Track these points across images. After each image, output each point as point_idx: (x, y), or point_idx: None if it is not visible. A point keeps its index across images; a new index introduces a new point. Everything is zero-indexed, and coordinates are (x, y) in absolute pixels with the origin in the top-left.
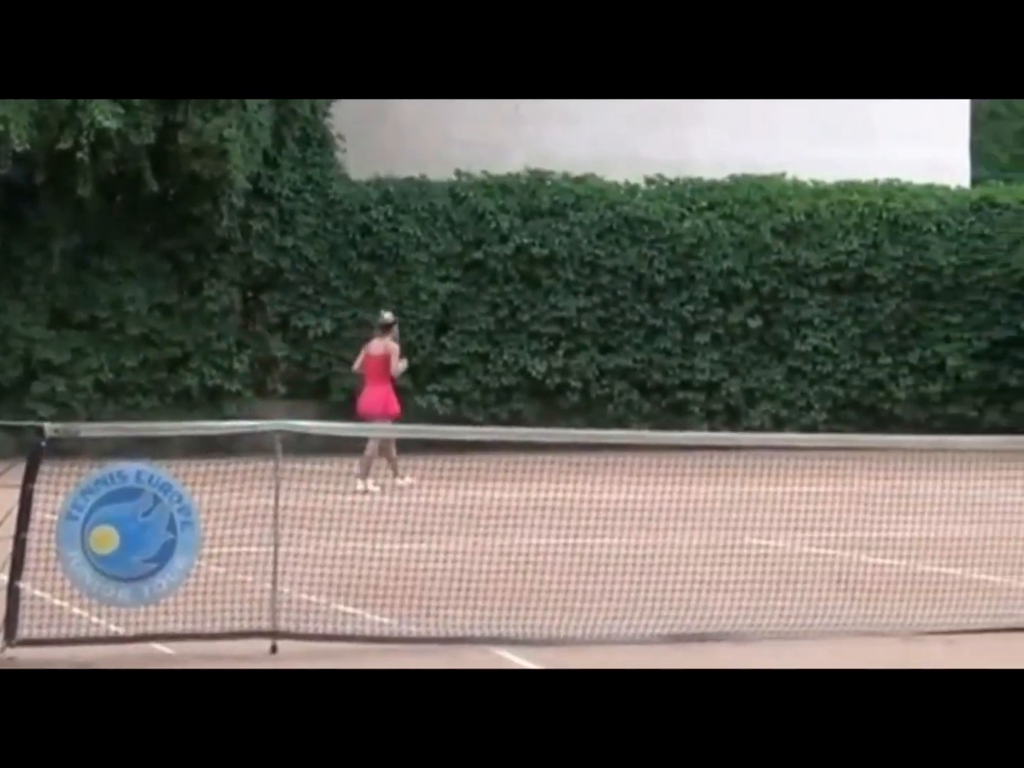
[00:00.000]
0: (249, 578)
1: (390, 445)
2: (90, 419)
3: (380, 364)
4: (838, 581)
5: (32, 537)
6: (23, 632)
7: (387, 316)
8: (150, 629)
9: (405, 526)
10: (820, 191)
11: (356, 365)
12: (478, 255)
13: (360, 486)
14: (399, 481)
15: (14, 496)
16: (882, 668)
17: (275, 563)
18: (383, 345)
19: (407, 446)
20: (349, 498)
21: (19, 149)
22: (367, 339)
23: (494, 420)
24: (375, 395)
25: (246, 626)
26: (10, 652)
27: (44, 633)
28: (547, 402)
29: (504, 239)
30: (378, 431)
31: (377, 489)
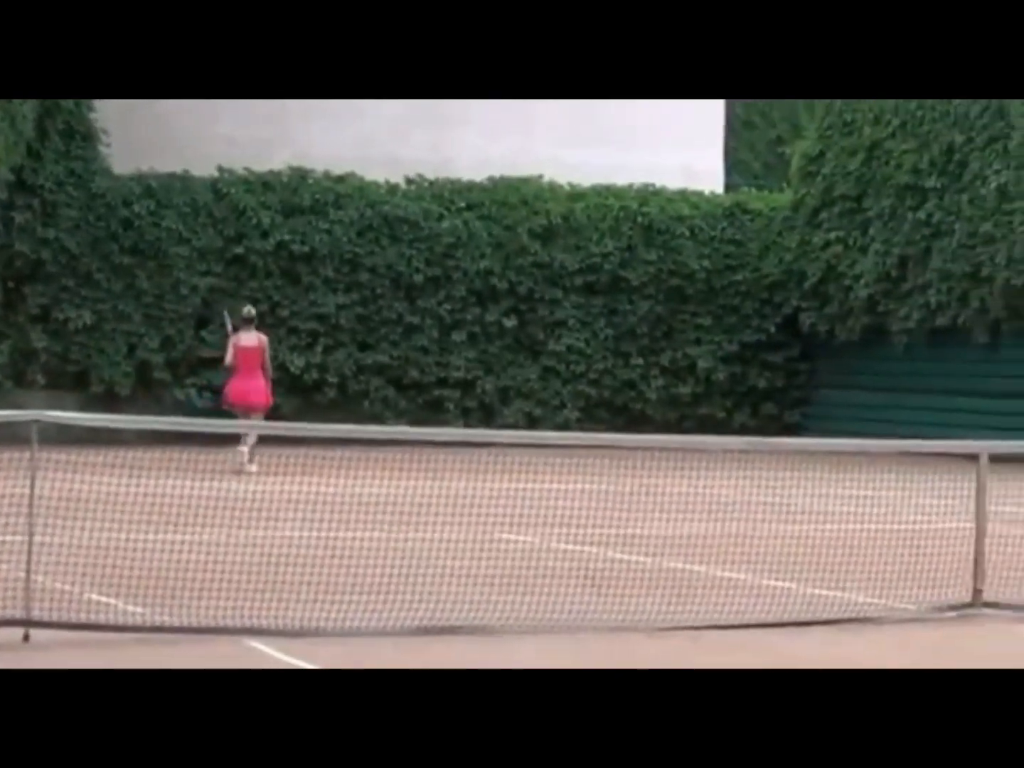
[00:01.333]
0: (3, 566)
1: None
2: None
3: (255, 356)
4: (586, 577)
5: None
6: None
7: (253, 311)
8: None
9: (160, 517)
10: (577, 194)
11: (228, 358)
12: (239, 250)
13: (253, 468)
14: (251, 467)
15: None
16: (626, 663)
17: (29, 552)
18: (255, 338)
19: (165, 439)
20: (105, 488)
21: None
22: (227, 335)
23: None
24: (254, 385)
25: None
26: None
27: None
28: (305, 397)
29: (265, 235)
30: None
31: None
